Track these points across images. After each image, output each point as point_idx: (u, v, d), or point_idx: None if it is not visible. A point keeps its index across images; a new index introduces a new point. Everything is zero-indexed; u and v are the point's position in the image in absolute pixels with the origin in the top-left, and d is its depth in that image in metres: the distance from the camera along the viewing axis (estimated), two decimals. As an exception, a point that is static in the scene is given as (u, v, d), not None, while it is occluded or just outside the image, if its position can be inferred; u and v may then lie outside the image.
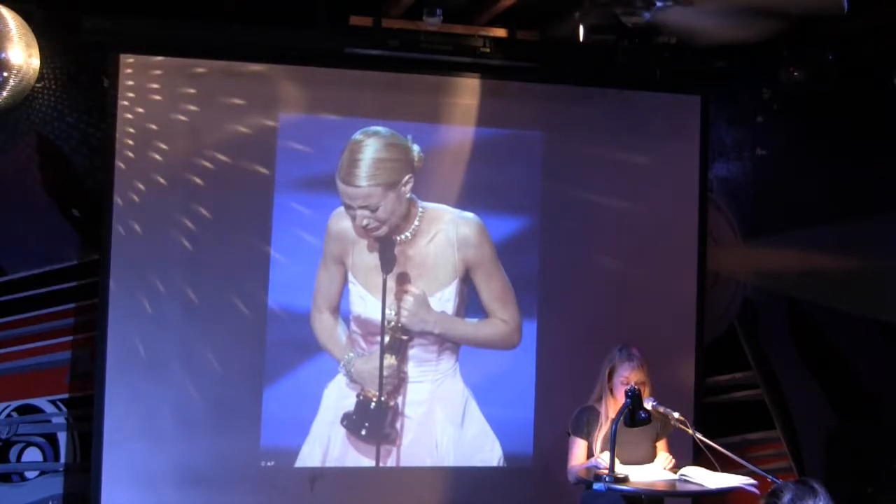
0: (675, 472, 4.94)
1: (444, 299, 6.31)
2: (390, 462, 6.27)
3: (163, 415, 5.96)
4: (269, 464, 6.11)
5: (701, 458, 5.17)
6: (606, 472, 4.73)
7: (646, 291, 6.53)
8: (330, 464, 6.21)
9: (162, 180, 6.02)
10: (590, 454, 5.06)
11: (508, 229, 6.46)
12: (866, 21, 5.89)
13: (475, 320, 6.38)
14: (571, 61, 6.37)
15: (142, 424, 5.91)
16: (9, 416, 5.95)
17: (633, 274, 6.53)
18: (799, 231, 6.86)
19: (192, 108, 6.06)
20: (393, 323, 6.26)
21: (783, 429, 6.87)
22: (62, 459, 6.00)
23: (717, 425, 6.33)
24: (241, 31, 6.02)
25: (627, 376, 5.02)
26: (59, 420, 6.02)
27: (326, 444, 6.20)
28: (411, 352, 6.29)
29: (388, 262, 6.25)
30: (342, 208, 6.23)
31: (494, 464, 6.42)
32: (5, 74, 5.31)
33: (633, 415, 4.86)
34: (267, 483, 6.10)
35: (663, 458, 5.07)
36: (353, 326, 6.25)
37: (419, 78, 6.38)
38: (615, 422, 4.82)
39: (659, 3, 5.00)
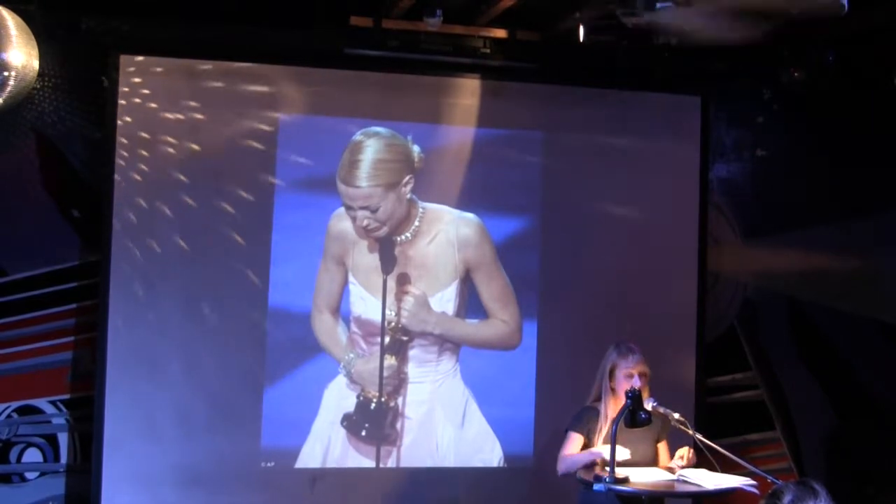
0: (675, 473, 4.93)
1: (445, 300, 6.31)
2: (390, 463, 6.27)
3: (163, 415, 5.96)
4: (269, 464, 6.11)
5: (701, 458, 5.16)
6: (606, 472, 4.73)
7: (646, 292, 6.53)
8: (330, 464, 6.21)
9: (162, 180, 6.02)
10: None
11: (509, 230, 6.46)
12: (866, 21, 5.89)
13: (475, 321, 6.38)
14: (571, 62, 6.37)
15: (142, 425, 5.91)
16: (9, 416, 5.95)
17: (634, 274, 6.53)
18: (799, 231, 6.86)
19: (192, 108, 6.06)
20: (393, 323, 6.26)
21: (783, 429, 6.87)
22: (62, 460, 6.00)
23: (718, 426, 6.32)
24: (241, 31, 6.02)
25: (631, 369, 5.01)
26: (60, 421, 6.01)
27: (327, 445, 6.20)
28: (411, 352, 6.29)
29: (388, 262, 6.25)
30: (342, 209, 6.23)
31: (495, 464, 6.42)
32: (5, 75, 5.30)
33: (633, 415, 4.85)
34: (267, 483, 6.10)
35: (684, 452, 5.01)
36: (354, 327, 6.25)
37: (419, 78, 6.37)
38: (615, 422, 4.82)
39: (659, 4, 5.00)
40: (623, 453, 4.85)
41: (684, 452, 4.98)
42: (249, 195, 6.13)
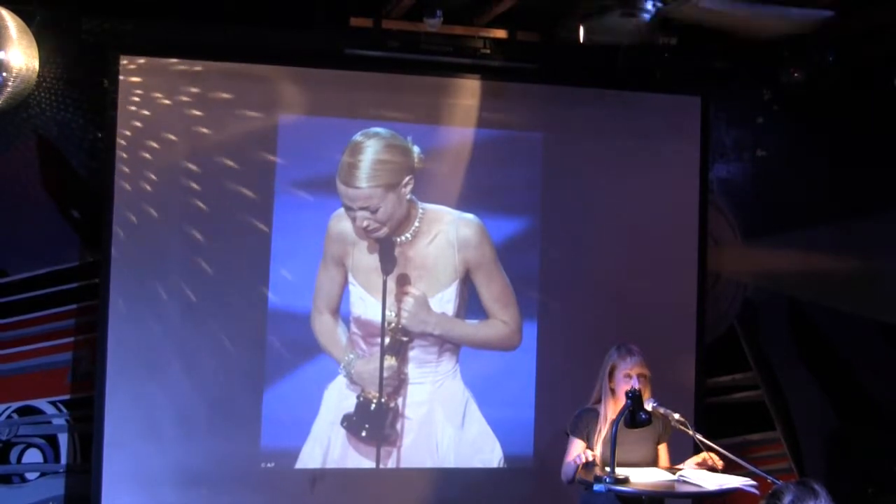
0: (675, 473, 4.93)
1: (445, 300, 6.31)
2: (391, 463, 6.27)
3: (163, 416, 5.96)
4: (269, 465, 6.11)
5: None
6: (606, 472, 4.73)
7: (646, 292, 6.52)
8: (330, 465, 6.21)
9: (162, 181, 6.02)
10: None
11: (509, 230, 6.46)
12: (866, 21, 5.89)
13: (475, 321, 6.38)
14: (572, 62, 6.37)
15: (142, 426, 5.91)
16: (9, 417, 5.95)
17: (634, 274, 6.53)
18: (799, 231, 6.87)
19: (192, 109, 6.06)
20: (393, 324, 6.26)
21: (783, 430, 6.87)
22: (63, 461, 6.00)
23: (718, 426, 6.33)
24: (241, 31, 6.02)
25: (630, 370, 4.99)
26: (60, 421, 6.01)
27: (327, 446, 6.20)
28: (411, 353, 6.29)
29: (388, 263, 6.25)
30: (342, 209, 6.23)
31: (495, 465, 6.41)
32: (5, 76, 5.29)
33: (633, 416, 4.85)
34: (267, 484, 6.10)
35: (699, 458, 5.00)
36: (354, 328, 6.25)
37: (419, 79, 6.37)
38: (615, 422, 4.81)
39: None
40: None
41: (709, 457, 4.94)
42: (249, 195, 6.13)
